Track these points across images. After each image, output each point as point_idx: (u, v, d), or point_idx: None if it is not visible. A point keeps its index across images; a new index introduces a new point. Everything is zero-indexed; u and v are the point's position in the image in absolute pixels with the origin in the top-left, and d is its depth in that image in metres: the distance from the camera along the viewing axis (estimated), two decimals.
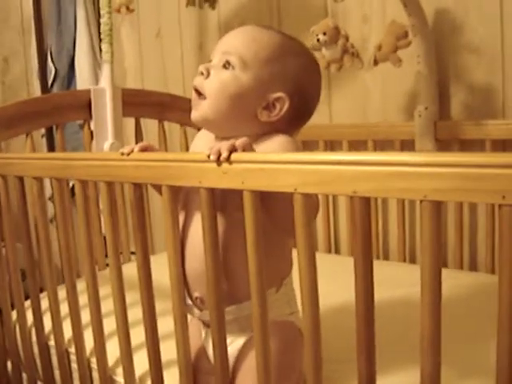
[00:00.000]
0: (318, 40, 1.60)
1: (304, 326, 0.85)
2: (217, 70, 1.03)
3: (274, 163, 0.82)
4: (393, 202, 1.90)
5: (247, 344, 1.05)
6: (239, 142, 0.87)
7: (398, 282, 1.54)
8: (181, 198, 1.07)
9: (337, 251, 2.08)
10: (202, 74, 1.03)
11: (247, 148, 0.88)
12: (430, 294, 0.70)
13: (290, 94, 1.02)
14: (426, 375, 0.73)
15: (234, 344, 1.07)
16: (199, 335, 1.15)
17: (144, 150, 1.07)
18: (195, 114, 1.07)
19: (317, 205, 0.95)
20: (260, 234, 0.86)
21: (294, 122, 1.06)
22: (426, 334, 0.71)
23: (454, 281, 1.53)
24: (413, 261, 1.90)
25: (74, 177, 1.22)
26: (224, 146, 0.86)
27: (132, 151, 1.05)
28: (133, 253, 2.01)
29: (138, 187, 1.07)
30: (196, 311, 1.09)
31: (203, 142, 1.13)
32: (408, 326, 1.23)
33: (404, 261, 1.89)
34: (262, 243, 0.88)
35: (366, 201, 0.74)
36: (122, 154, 1.05)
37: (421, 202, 0.68)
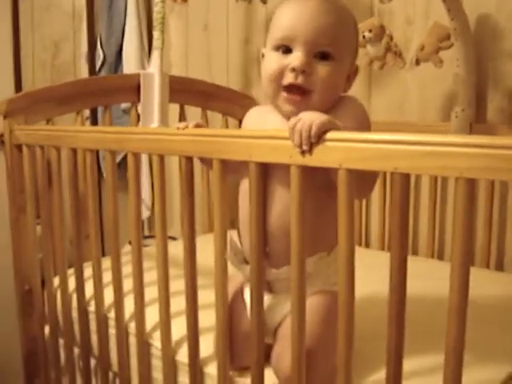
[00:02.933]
0: (363, 37, 1.66)
1: (340, 300, 0.90)
2: (315, 63, 1.02)
3: (319, 142, 0.88)
4: (424, 198, 1.95)
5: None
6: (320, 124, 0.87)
7: (426, 275, 1.58)
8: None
9: (367, 245, 2.13)
10: (304, 71, 1.01)
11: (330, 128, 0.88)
12: (460, 270, 0.76)
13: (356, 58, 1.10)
14: (449, 356, 0.79)
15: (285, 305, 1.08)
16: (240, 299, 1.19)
17: (199, 126, 1.13)
18: (297, 110, 0.99)
19: (374, 179, 1.01)
20: (304, 206, 0.93)
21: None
22: (451, 317, 0.77)
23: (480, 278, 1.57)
24: (441, 257, 1.95)
25: (128, 149, 1.30)
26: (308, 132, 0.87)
27: (187, 127, 1.12)
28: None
29: (190, 160, 1.14)
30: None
31: (259, 119, 1.16)
32: (433, 311, 1.30)
33: (432, 257, 1.94)
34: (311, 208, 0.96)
35: (406, 177, 0.80)
36: (178, 128, 1.12)
37: (456, 179, 0.74)
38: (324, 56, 1.02)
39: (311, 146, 0.88)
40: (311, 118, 0.88)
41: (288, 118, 0.98)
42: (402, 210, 0.82)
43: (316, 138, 0.86)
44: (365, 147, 0.83)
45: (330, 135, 0.87)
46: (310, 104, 1.02)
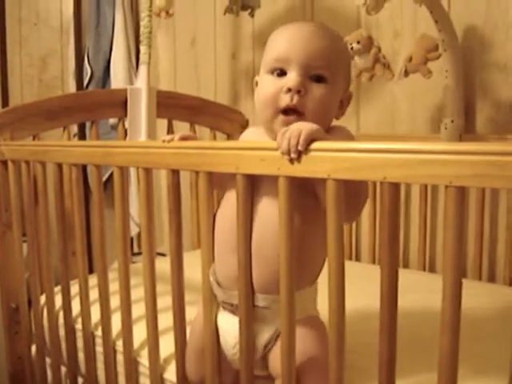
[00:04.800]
0: (351, 48, 1.65)
1: (330, 315, 0.88)
2: (310, 85, 1.02)
3: (308, 150, 0.86)
4: (415, 211, 1.94)
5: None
6: (309, 132, 0.87)
7: (417, 288, 1.57)
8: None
9: (357, 258, 2.12)
10: (299, 92, 1.00)
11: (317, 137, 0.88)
12: (452, 279, 0.74)
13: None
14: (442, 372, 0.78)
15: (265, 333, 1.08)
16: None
17: (184, 139, 1.12)
18: None
19: (365, 192, 0.99)
20: (292, 220, 0.91)
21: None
22: (444, 330, 0.76)
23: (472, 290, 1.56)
24: (432, 270, 1.94)
25: (114, 163, 1.28)
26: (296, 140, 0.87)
27: (172, 139, 1.11)
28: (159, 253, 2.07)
29: (176, 174, 1.12)
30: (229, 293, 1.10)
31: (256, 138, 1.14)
32: (425, 326, 1.28)
33: (424, 269, 1.93)
34: (303, 236, 0.97)
35: (396, 186, 0.79)
36: (164, 141, 1.11)
37: (446, 187, 0.73)
38: (318, 79, 1.02)
39: (299, 154, 0.87)
40: (300, 127, 0.88)
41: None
42: (392, 219, 0.80)
43: (304, 146, 0.86)
44: (353, 156, 0.81)
45: (318, 145, 0.86)
46: None
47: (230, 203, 1.07)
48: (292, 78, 1.01)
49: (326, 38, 1.04)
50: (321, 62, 1.02)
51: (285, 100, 1.01)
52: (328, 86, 1.02)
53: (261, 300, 1.04)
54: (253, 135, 1.17)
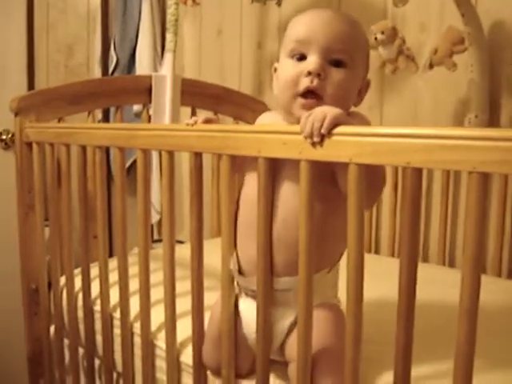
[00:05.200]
0: (375, 38, 1.65)
1: (347, 301, 0.88)
2: (329, 69, 1.02)
3: (330, 135, 0.86)
4: (436, 204, 1.93)
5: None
6: (333, 115, 0.87)
7: (436, 281, 1.56)
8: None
9: (377, 251, 2.11)
10: (319, 75, 1.01)
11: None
12: (472, 269, 0.74)
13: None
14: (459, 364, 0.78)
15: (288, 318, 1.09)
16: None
17: (208, 122, 1.12)
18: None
19: (383, 177, 0.98)
20: (312, 204, 0.92)
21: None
22: (462, 326, 0.76)
23: (491, 286, 1.55)
24: (452, 265, 1.93)
25: (137, 146, 1.29)
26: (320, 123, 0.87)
27: (196, 123, 1.12)
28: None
29: (199, 156, 1.13)
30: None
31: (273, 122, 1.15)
32: (441, 318, 1.28)
33: (443, 264, 1.92)
34: (323, 221, 0.98)
35: (419, 172, 0.79)
36: (187, 124, 1.12)
37: (469, 173, 0.72)
38: (338, 63, 1.02)
39: (322, 138, 0.87)
40: (325, 110, 0.88)
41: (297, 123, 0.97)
42: (414, 205, 0.80)
43: (327, 129, 0.86)
44: (376, 141, 0.81)
45: (340, 129, 0.86)
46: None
47: (250, 189, 1.07)
48: (312, 61, 1.01)
49: (346, 23, 1.04)
50: (341, 45, 1.02)
51: (305, 83, 1.02)
52: (347, 70, 1.03)
53: (282, 283, 1.05)
54: (269, 119, 1.17)
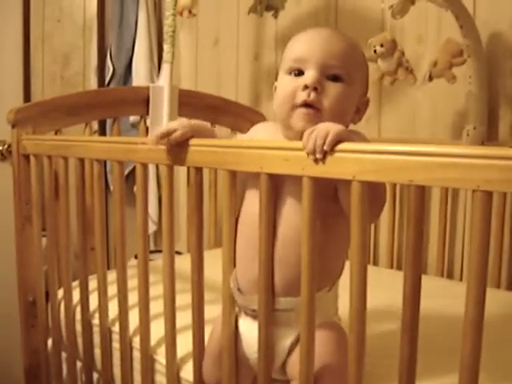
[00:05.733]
0: (374, 51, 1.65)
1: (350, 320, 0.88)
2: (326, 83, 1.03)
3: (334, 152, 0.86)
4: (434, 216, 1.93)
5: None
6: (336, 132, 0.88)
7: (436, 293, 1.56)
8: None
9: (375, 263, 2.11)
10: (316, 89, 1.02)
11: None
12: (477, 284, 0.74)
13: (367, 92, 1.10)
14: (464, 374, 0.77)
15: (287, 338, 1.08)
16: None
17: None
18: (309, 125, 0.98)
19: (384, 193, 0.98)
20: (315, 220, 0.91)
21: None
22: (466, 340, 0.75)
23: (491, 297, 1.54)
24: (450, 276, 1.93)
25: (136, 160, 1.28)
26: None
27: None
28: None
29: (199, 171, 1.12)
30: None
31: (268, 135, 1.15)
32: (446, 329, 1.27)
33: (442, 275, 1.92)
34: (323, 237, 0.96)
35: (422, 189, 0.79)
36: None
37: (473, 191, 0.72)
38: (335, 78, 1.04)
39: (325, 154, 0.87)
40: (328, 127, 0.88)
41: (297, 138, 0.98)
42: (418, 223, 0.80)
43: (330, 146, 0.86)
44: (379, 158, 0.81)
45: (343, 146, 0.86)
46: (317, 121, 0.99)
47: (251, 206, 1.07)
48: (309, 75, 1.03)
49: (343, 41, 1.06)
50: (337, 61, 1.04)
51: (302, 96, 1.03)
52: (344, 85, 1.04)
53: (283, 303, 1.04)
54: (263, 130, 1.18)
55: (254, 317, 1.07)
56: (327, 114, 1.02)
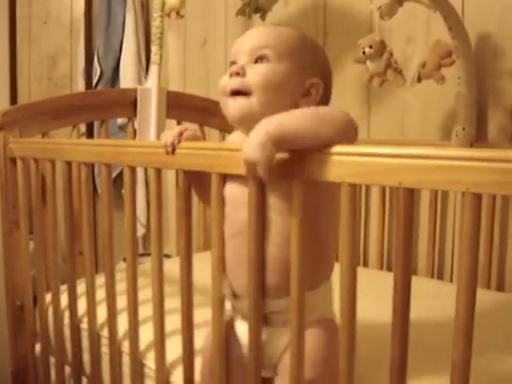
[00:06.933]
0: (363, 52, 1.64)
1: (341, 322, 0.88)
2: (251, 66, 1.04)
3: (322, 154, 0.86)
4: (424, 216, 1.93)
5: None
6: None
7: (426, 294, 1.56)
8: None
9: (365, 264, 2.11)
10: (238, 74, 1.03)
11: None
12: (467, 286, 0.74)
13: (321, 79, 1.07)
14: (455, 376, 0.77)
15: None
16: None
17: (190, 139, 1.13)
18: (240, 112, 1.04)
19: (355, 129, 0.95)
20: (304, 223, 0.91)
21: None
22: (457, 343, 0.75)
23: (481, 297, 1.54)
24: (440, 277, 1.93)
25: (124, 163, 1.27)
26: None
27: (174, 147, 1.12)
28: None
29: (188, 174, 1.12)
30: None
31: (238, 137, 1.14)
32: (436, 331, 1.27)
33: (432, 277, 1.92)
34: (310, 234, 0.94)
35: (411, 192, 0.78)
36: (167, 152, 1.12)
37: (463, 193, 0.72)
38: (260, 59, 1.04)
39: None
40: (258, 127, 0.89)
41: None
42: (407, 225, 0.79)
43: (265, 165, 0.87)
44: (368, 161, 0.80)
45: (332, 149, 0.85)
46: (253, 107, 1.02)
47: (236, 210, 1.06)
48: (235, 65, 1.05)
49: (274, 28, 1.08)
50: (263, 43, 1.04)
51: (228, 84, 1.04)
52: (270, 64, 1.03)
53: (278, 304, 1.03)
54: (234, 137, 1.18)
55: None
56: (258, 93, 1.01)
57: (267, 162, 0.86)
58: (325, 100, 1.10)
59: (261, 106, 1.02)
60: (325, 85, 1.07)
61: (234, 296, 1.10)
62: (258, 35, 1.07)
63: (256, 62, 1.04)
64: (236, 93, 1.04)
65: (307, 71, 1.06)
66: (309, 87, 1.05)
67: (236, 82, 1.03)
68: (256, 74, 1.02)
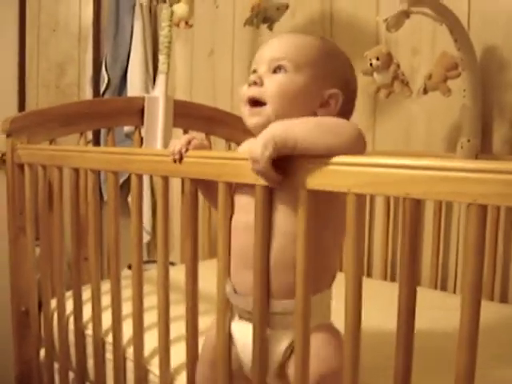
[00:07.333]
0: (370, 64, 1.65)
1: (345, 333, 0.88)
2: (269, 76, 1.05)
3: (330, 164, 0.86)
4: (428, 226, 1.93)
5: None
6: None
7: (430, 306, 1.55)
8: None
9: (369, 274, 2.11)
10: (256, 83, 1.05)
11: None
12: (472, 297, 0.74)
13: (341, 90, 1.07)
14: None
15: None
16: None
17: (198, 148, 1.14)
18: (257, 121, 1.06)
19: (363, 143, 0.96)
20: (311, 229, 0.91)
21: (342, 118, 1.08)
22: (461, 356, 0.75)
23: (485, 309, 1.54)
24: (444, 288, 1.93)
25: (131, 170, 1.28)
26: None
27: (181, 156, 1.13)
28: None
29: (195, 183, 1.13)
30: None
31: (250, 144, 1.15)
32: (440, 341, 1.27)
33: (435, 288, 1.92)
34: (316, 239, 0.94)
35: (418, 203, 0.79)
36: (174, 160, 1.13)
37: (469, 205, 0.72)
38: (277, 69, 1.06)
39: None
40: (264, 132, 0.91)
41: None
42: (414, 236, 0.80)
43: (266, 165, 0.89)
44: (375, 172, 0.81)
45: (339, 159, 0.86)
46: (269, 116, 1.04)
47: (243, 212, 1.06)
48: (254, 74, 1.07)
49: (295, 36, 1.10)
50: (281, 53, 1.06)
51: (245, 93, 1.07)
52: (287, 74, 1.05)
53: (281, 306, 1.03)
54: (246, 145, 1.18)
55: (250, 319, 1.05)
56: (273, 103, 1.04)
57: (267, 161, 0.88)
58: (346, 110, 1.10)
59: (276, 115, 1.03)
60: (346, 95, 1.08)
61: (236, 293, 1.09)
62: (277, 45, 1.08)
63: (274, 71, 1.06)
64: (253, 102, 1.06)
65: (327, 81, 1.07)
66: (328, 98, 1.06)
67: (253, 91, 1.06)
68: (272, 84, 1.04)
